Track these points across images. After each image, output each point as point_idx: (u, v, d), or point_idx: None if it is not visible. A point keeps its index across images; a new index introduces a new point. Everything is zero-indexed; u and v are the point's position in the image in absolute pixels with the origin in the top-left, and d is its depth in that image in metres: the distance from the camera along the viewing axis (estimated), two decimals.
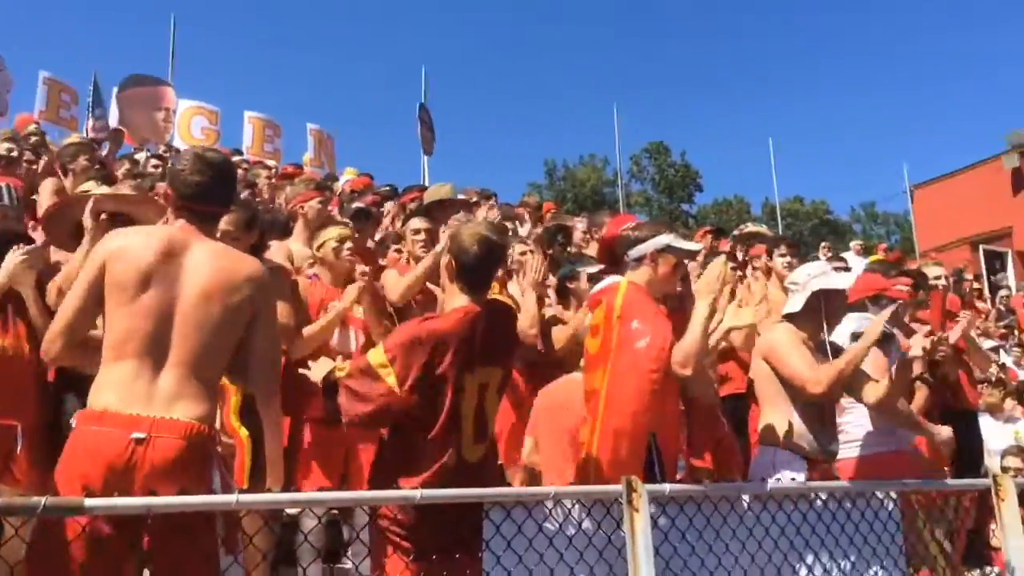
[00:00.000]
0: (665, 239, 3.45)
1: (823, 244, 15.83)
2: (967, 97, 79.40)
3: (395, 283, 4.74)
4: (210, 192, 2.74)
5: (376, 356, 2.96)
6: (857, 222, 49.47)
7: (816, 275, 3.88)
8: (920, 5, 77.33)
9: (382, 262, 5.42)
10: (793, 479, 3.55)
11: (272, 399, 2.84)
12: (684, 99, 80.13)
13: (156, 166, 8.02)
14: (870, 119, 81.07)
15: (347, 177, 11.72)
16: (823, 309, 3.79)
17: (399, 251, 5.44)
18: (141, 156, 9.51)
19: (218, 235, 4.03)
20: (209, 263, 2.65)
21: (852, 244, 15.82)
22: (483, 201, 11.56)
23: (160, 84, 13.18)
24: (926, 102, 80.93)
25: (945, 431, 4.01)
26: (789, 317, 3.88)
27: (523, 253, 5.47)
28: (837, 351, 3.81)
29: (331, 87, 76.94)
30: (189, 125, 12.96)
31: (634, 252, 3.46)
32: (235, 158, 9.70)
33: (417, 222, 5.28)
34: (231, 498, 2.42)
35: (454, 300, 3.13)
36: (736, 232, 7.61)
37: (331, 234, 4.70)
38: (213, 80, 61.77)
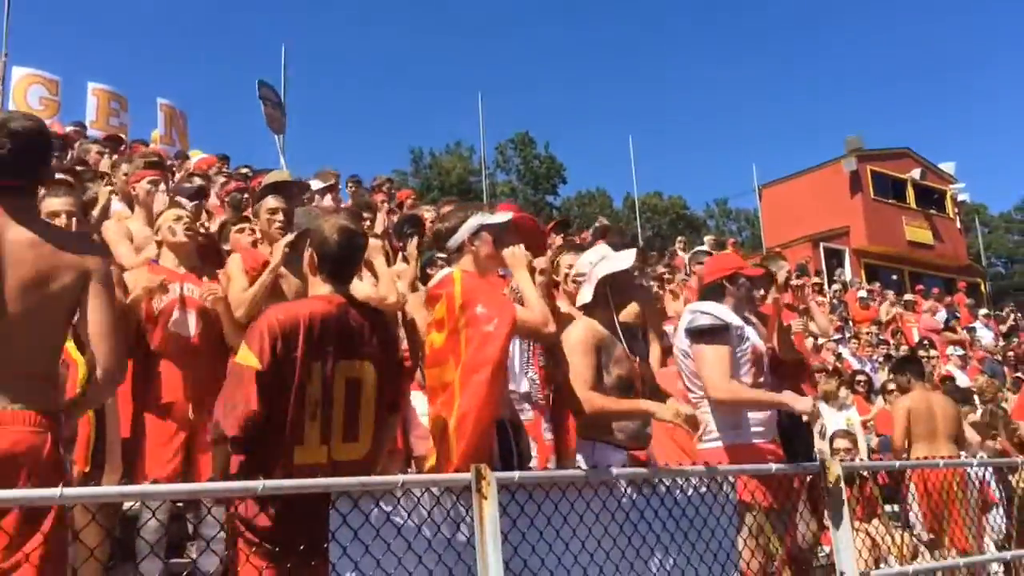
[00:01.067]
0: (475, 221, 3.50)
1: (679, 238, 16.46)
2: (813, 100, 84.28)
3: (239, 297, 4.36)
4: (14, 165, 2.49)
5: (240, 351, 2.91)
6: (711, 218, 51.59)
7: (597, 262, 3.93)
8: (769, 10, 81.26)
9: (226, 247, 5.24)
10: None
11: (107, 383, 2.64)
12: (549, 91, 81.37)
13: None
14: (724, 119, 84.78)
15: (196, 158, 11.26)
16: (610, 294, 3.84)
17: (249, 230, 5.19)
18: None
19: (59, 217, 3.83)
20: (27, 250, 2.45)
21: (706, 238, 16.51)
22: (352, 186, 11.41)
23: None
24: (775, 104, 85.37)
25: (804, 401, 3.91)
26: (585, 309, 3.90)
27: None
28: (631, 333, 3.89)
29: (185, 63, 73.35)
30: (25, 94, 12.05)
31: (452, 242, 3.51)
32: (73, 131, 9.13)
33: (273, 201, 4.92)
34: (54, 492, 2.27)
35: (316, 291, 3.12)
36: (597, 224, 7.77)
37: (168, 216, 4.55)
38: (54, 49, 57.88)
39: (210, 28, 73.86)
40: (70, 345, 3.57)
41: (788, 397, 3.93)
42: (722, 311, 4.03)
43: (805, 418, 4.11)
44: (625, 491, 3.32)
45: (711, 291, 4.21)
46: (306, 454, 2.90)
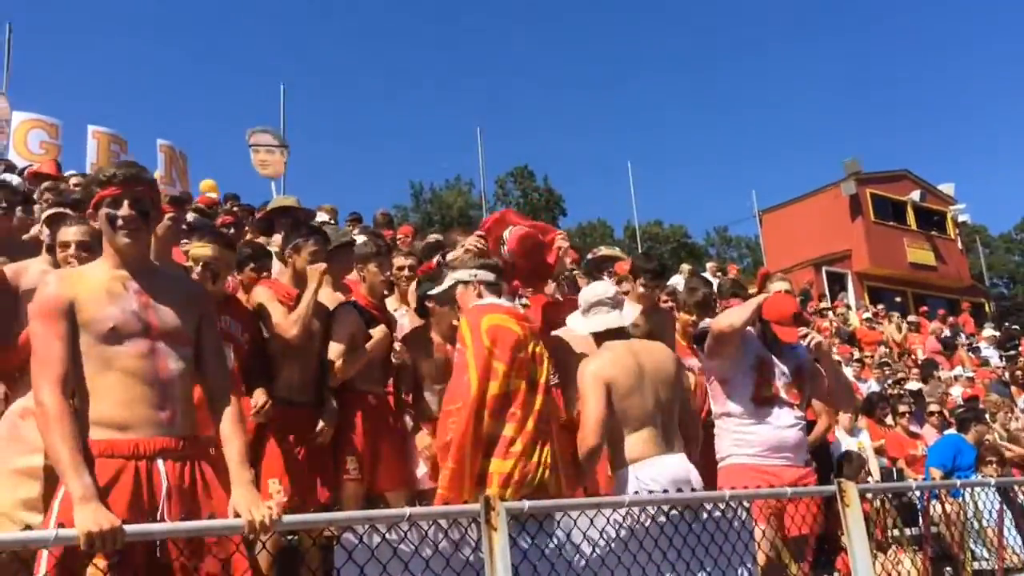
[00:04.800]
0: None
1: (683, 266, 16.43)
2: (811, 124, 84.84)
3: (287, 321, 4.31)
4: None
5: None
6: (712, 245, 51.67)
7: (588, 309, 4.03)
8: (763, 37, 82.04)
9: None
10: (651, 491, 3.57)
11: None
12: (547, 125, 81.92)
13: None
14: (722, 146, 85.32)
15: (205, 191, 11.31)
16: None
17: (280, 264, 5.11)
18: None
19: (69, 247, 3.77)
20: None
21: (708, 265, 16.51)
22: (353, 225, 11.41)
23: None
24: (772, 129, 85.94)
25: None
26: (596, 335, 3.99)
27: (400, 268, 5.43)
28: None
29: (185, 103, 74.09)
30: (26, 139, 12.10)
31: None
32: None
33: (313, 244, 4.61)
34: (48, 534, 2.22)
35: None
36: (590, 255, 7.69)
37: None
38: (54, 93, 58.40)
39: (209, 69, 74.85)
40: None
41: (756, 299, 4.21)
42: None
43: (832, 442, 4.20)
44: (638, 518, 3.25)
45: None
46: None
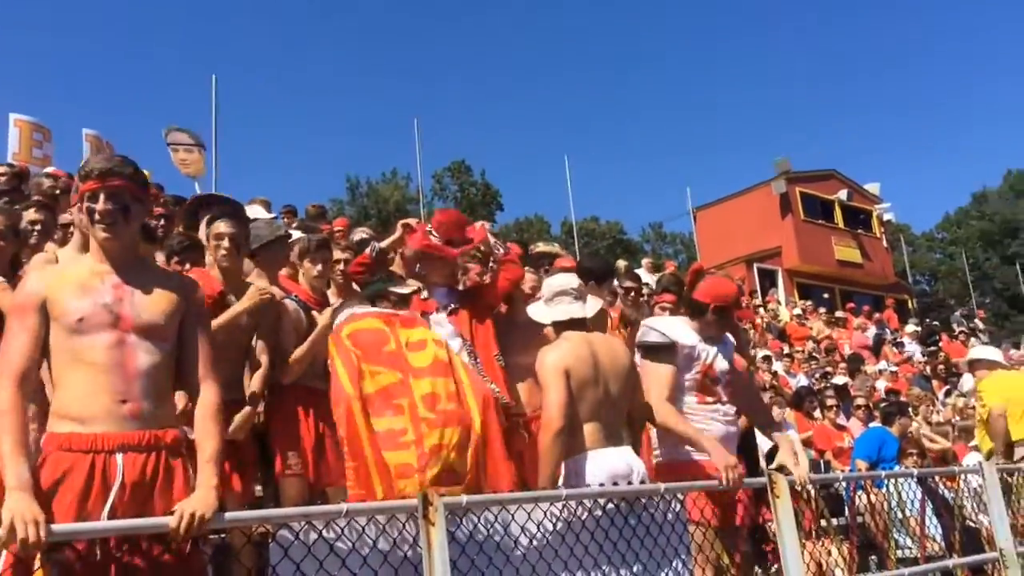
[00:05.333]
0: None
1: (619, 262, 16.57)
2: (745, 123, 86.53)
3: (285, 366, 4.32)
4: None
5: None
6: (648, 241, 52.32)
7: (552, 298, 4.07)
8: (697, 34, 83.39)
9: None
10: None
11: None
12: (484, 119, 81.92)
13: None
14: (658, 143, 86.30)
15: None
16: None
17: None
18: None
19: None
20: None
21: (643, 262, 16.70)
22: (288, 217, 11.21)
23: None
24: (706, 126, 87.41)
25: (725, 459, 3.76)
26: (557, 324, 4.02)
27: (336, 261, 5.33)
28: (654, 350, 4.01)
29: (113, 93, 71.96)
30: None
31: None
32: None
33: (222, 225, 4.26)
34: None
35: None
36: (530, 250, 7.68)
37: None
38: None
39: (138, 58, 72.66)
40: None
41: (711, 447, 3.82)
42: (675, 329, 4.07)
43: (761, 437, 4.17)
44: (575, 511, 3.27)
45: (690, 307, 4.21)
46: None
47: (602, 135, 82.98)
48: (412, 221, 5.61)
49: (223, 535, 3.81)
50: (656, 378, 3.97)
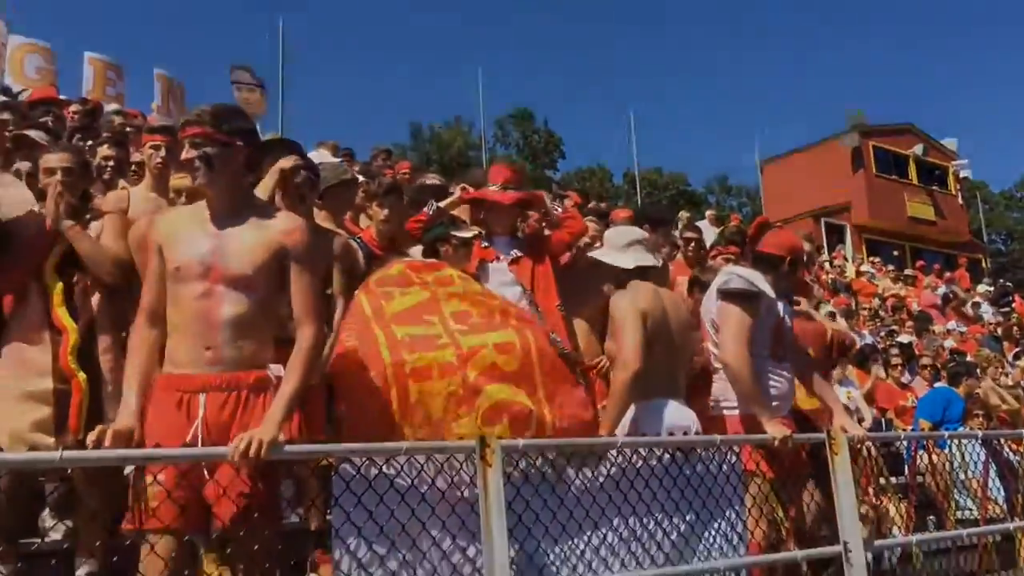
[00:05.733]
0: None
1: (681, 213, 16.36)
2: (815, 75, 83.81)
3: None
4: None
5: None
6: (712, 193, 51.37)
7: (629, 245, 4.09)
8: None
9: None
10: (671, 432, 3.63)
11: None
12: (549, 68, 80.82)
13: None
14: (725, 95, 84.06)
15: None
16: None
17: None
18: None
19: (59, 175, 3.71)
20: None
21: (707, 214, 16.44)
22: (347, 160, 11.28)
23: None
24: (776, 79, 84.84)
25: (778, 430, 3.69)
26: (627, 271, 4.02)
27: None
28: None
29: (182, 32, 72.73)
30: (22, 64, 11.91)
31: None
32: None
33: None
34: (54, 455, 2.35)
35: None
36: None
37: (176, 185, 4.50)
38: (48, 18, 56.99)
39: (210, 1, 73.27)
40: (63, 311, 3.54)
41: (767, 415, 3.78)
42: (758, 280, 4.01)
43: None
44: (631, 459, 3.30)
45: (761, 261, 4.16)
46: None
47: (668, 85, 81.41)
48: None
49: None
50: (737, 322, 3.88)
